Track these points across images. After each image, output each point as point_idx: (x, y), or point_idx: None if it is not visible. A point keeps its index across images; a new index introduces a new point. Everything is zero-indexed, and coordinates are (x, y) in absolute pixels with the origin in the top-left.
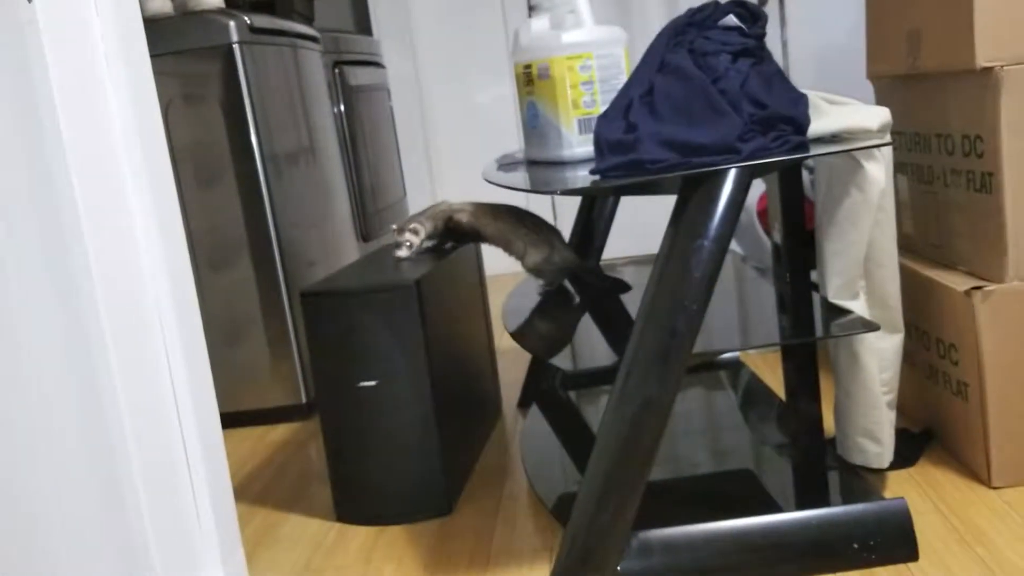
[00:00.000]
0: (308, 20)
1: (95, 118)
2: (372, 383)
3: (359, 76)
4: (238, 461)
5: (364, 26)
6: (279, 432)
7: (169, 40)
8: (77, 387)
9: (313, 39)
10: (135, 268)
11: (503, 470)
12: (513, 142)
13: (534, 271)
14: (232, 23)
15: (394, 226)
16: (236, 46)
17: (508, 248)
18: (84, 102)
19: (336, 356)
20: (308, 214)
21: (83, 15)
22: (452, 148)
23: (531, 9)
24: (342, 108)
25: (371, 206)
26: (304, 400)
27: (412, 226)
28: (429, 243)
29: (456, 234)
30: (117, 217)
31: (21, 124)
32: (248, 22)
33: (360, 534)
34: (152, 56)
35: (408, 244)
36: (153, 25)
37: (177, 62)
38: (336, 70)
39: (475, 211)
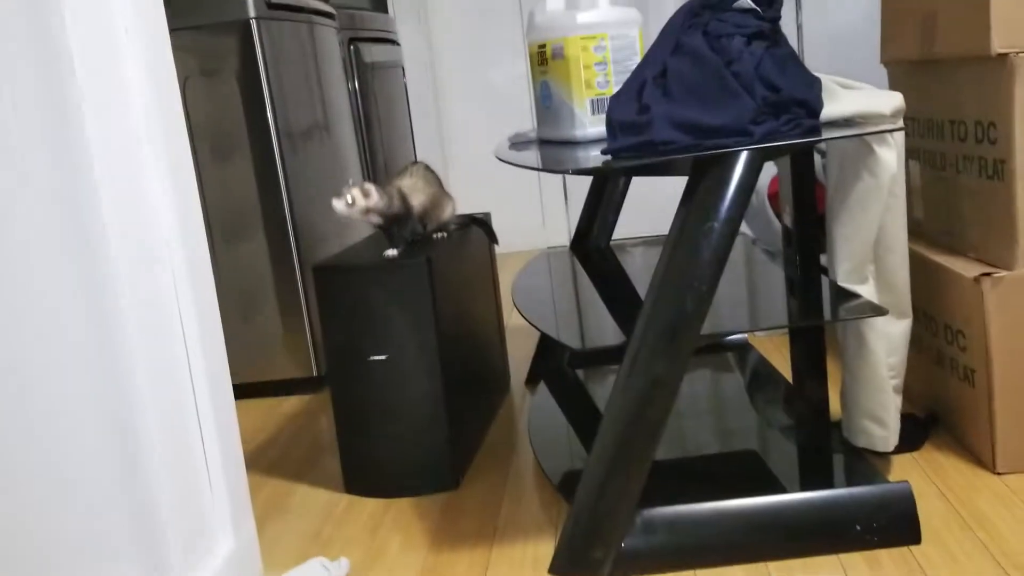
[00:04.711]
0: None
1: (114, 92)
2: (382, 357)
3: (374, 53)
4: (250, 432)
5: (380, 3)
6: (290, 404)
7: (187, 15)
8: (93, 356)
9: (329, 15)
10: (152, 240)
11: (510, 446)
12: (526, 122)
13: (447, 224)
14: None
15: (351, 181)
16: (253, 21)
17: (439, 207)
18: (103, 76)
19: (347, 330)
20: (322, 189)
21: None
22: (465, 127)
23: None
24: (356, 85)
25: (384, 182)
26: (315, 373)
27: (366, 187)
28: (376, 218)
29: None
30: (135, 190)
31: (41, 98)
32: None
33: (368, 506)
34: (171, 30)
35: (349, 201)
36: None
37: (195, 37)
38: (351, 47)
39: (419, 193)
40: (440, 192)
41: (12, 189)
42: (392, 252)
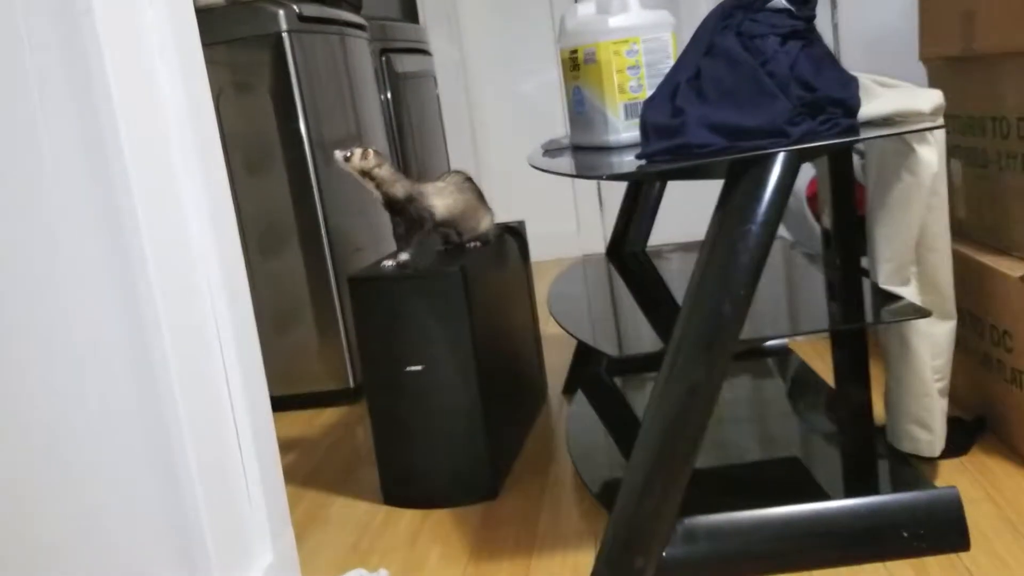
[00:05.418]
0: (356, 8)
1: (149, 106)
2: (418, 368)
3: (406, 63)
4: (287, 444)
5: (411, 14)
6: (327, 416)
7: (220, 29)
8: (132, 371)
9: (360, 27)
10: (188, 254)
11: (548, 455)
12: (559, 129)
13: (484, 236)
14: (282, 12)
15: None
16: (285, 35)
17: (473, 217)
18: (138, 91)
19: (383, 341)
20: (355, 200)
21: (137, 5)
22: (498, 135)
23: None
24: (389, 95)
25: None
26: (352, 384)
27: (370, 151)
28: (375, 189)
29: (415, 219)
30: (170, 204)
31: (77, 112)
32: (297, 11)
33: (407, 517)
34: (204, 45)
35: (348, 155)
36: (205, 15)
37: (228, 51)
38: (383, 57)
39: (444, 197)
40: (475, 202)
41: (55, 210)
42: (402, 257)
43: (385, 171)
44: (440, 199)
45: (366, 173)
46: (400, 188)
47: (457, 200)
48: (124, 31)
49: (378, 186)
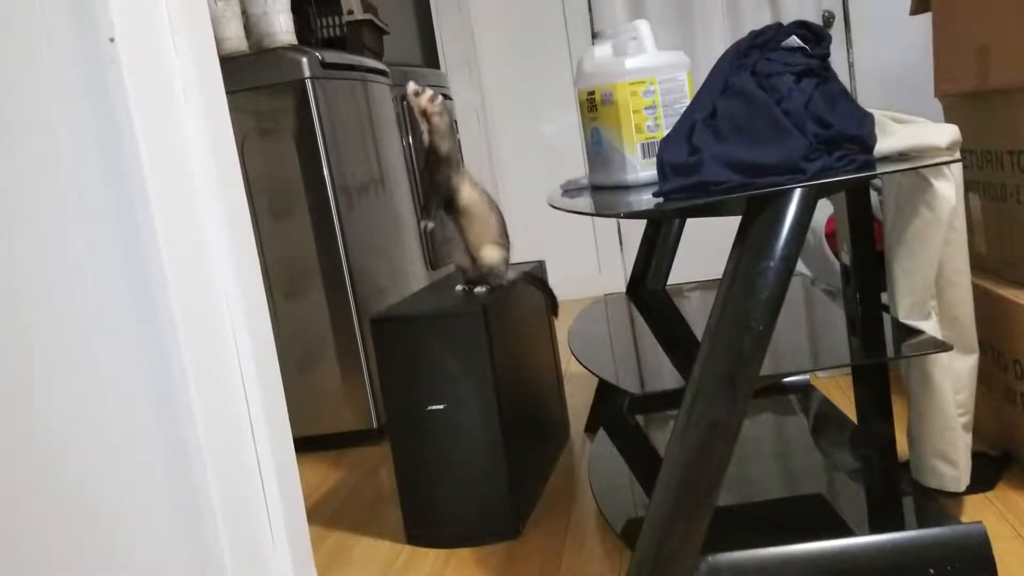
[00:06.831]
0: (377, 55)
1: (174, 152)
2: (441, 407)
3: None
4: (311, 484)
5: (432, 59)
6: (351, 456)
7: (245, 77)
8: (156, 412)
9: (382, 73)
10: (212, 296)
11: (571, 494)
12: (578, 170)
13: (496, 273)
14: (305, 59)
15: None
16: (309, 81)
17: (482, 232)
18: (164, 137)
19: (405, 380)
20: (378, 243)
21: (163, 54)
22: (518, 176)
23: (595, 37)
24: (410, 139)
25: (439, 235)
26: (375, 425)
27: (440, 98)
28: (425, 132)
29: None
30: (195, 247)
31: (104, 157)
32: (320, 58)
33: (430, 556)
34: (228, 92)
35: (420, 90)
36: (229, 63)
37: (252, 98)
38: (404, 102)
39: (472, 190)
40: (491, 220)
41: (81, 252)
42: (430, 225)
43: (442, 121)
44: (468, 187)
45: (425, 113)
46: (445, 146)
47: (480, 202)
48: (150, 79)
49: (430, 131)
